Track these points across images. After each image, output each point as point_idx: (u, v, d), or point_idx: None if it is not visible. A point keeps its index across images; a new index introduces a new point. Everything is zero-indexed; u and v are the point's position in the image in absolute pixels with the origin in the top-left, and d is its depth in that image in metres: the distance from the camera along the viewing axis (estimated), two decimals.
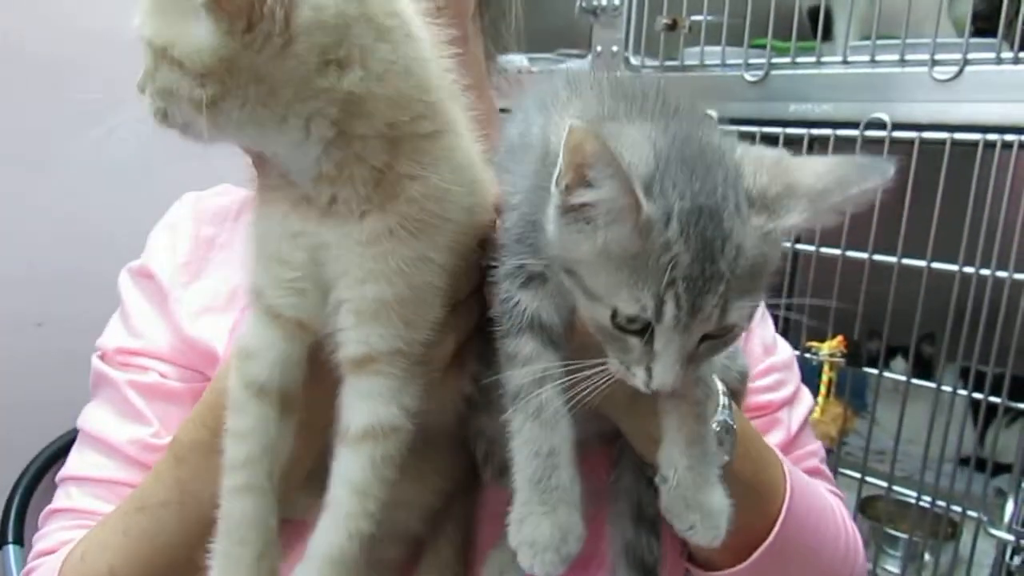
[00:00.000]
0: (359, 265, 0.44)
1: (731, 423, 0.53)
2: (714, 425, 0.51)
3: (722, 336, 0.43)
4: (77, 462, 0.70)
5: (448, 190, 0.46)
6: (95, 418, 0.70)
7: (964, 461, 1.31)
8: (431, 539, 0.60)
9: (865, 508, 1.30)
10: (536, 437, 0.46)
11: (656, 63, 1.35)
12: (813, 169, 0.42)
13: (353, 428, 0.46)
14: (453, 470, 0.59)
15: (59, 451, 1.57)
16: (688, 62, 1.33)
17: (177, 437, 0.57)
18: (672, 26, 1.31)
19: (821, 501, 0.66)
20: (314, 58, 0.41)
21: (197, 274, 0.73)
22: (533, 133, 0.49)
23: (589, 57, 1.46)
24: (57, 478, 0.71)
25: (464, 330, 0.52)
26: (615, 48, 1.40)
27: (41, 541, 0.67)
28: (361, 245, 0.44)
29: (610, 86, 0.48)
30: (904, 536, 1.24)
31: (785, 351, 0.78)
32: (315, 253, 0.46)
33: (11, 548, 1.48)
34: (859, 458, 1.28)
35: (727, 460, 0.52)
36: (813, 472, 0.72)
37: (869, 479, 1.21)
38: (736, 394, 0.57)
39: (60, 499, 0.69)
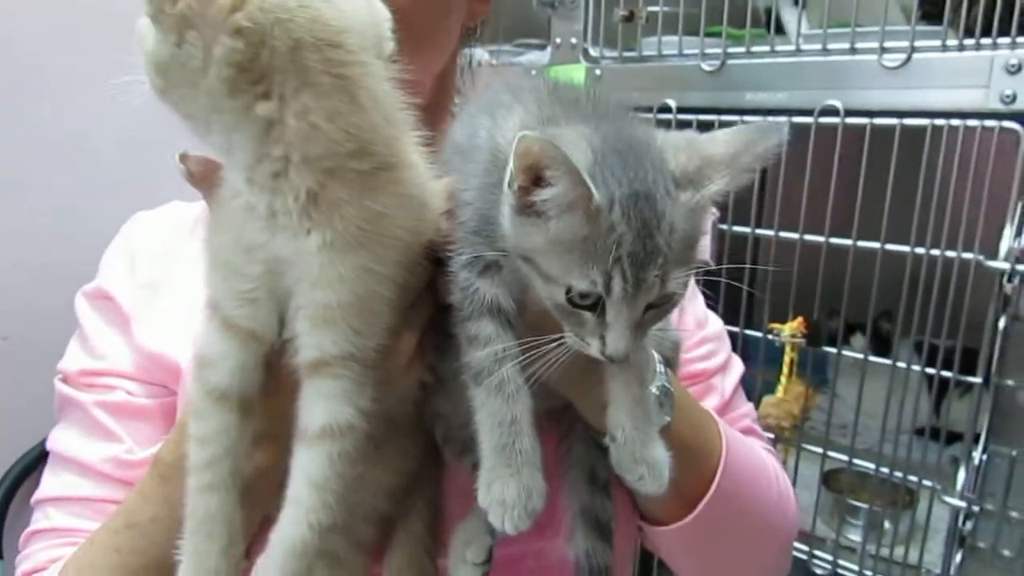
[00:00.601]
0: (309, 272, 0.48)
1: (669, 387, 0.59)
2: (653, 389, 0.57)
3: (663, 304, 0.49)
4: (52, 484, 0.71)
5: (384, 214, 0.49)
6: (65, 440, 0.71)
7: (921, 432, 1.37)
8: (402, 517, 0.64)
9: (828, 481, 1.35)
10: (499, 409, 0.50)
11: (615, 54, 1.38)
12: (720, 140, 0.49)
13: (311, 427, 0.49)
14: (416, 451, 0.63)
15: (31, 464, 1.56)
16: (646, 52, 1.35)
17: (160, 457, 0.59)
18: (629, 17, 1.33)
19: (754, 457, 0.73)
20: (225, 86, 0.45)
21: (157, 291, 0.75)
22: (480, 136, 0.53)
23: (548, 49, 1.47)
24: (32, 501, 0.72)
25: (419, 327, 0.55)
26: (574, 40, 1.41)
27: (26, 562, 0.68)
28: (309, 255, 0.47)
29: (547, 92, 0.53)
30: (864, 506, 1.29)
31: (716, 324, 0.85)
32: (272, 265, 0.48)
33: None
34: (822, 433, 1.33)
35: (667, 421, 0.58)
36: (747, 431, 0.79)
37: (831, 453, 1.25)
38: (670, 363, 0.63)
39: (39, 521, 0.70)
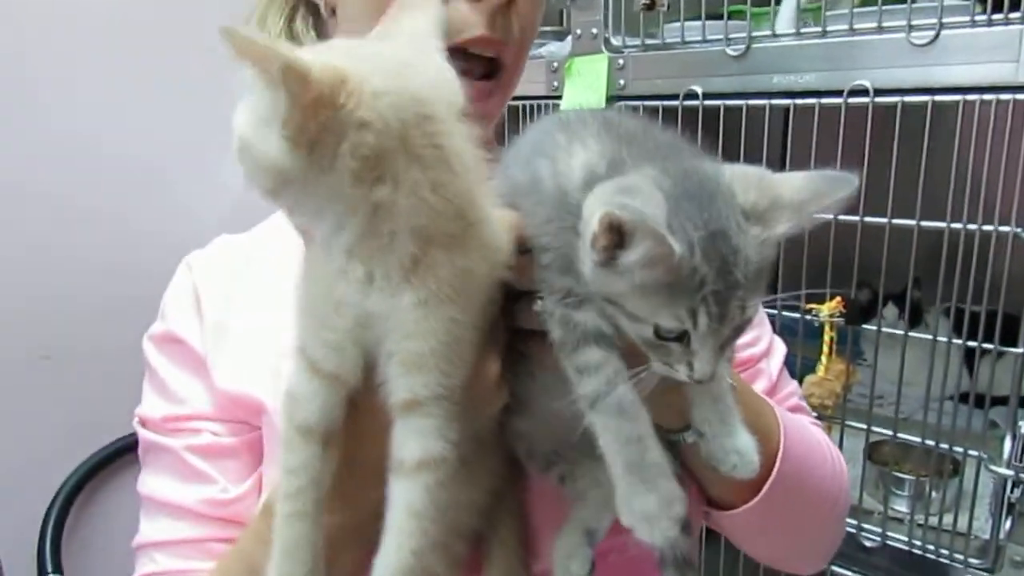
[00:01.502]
0: (403, 326, 0.51)
1: (730, 380, 0.61)
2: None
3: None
4: (152, 529, 0.74)
5: (472, 270, 0.52)
6: (158, 485, 0.74)
7: (963, 398, 1.38)
8: (492, 532, 0.67)
9: (872, 454, 1.37)
10: (623, 429, 0.52)
11: (637, 43, 1.38)
12: (791, 184, 0.50)
13: (408, 461, 0.52)
14: (501, 469, 0.66)
15: (85, 476, 1.61)
16: (669, 39, 1.35)
17: (272, 502, 0.61)
18: (651, 5, 1.33)
19: (809, 434, 0.76)
20: (350, 178, 0.48)
21: (226, 331, 0.77)
22: (544, 180, 0.55)
23: (568, 40, 1.47)
24: (134, 545, 0.75)
25: (500, 351, 0.57)
26: (595, 30, 1.41)
27: None
28: (403, 311, 0.51)
29: (603, 128, 0.54)
30: (910, 477, 1.31)
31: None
32: (363, 320, 0.52)
33: None
34: (861, 407, 1.34)
35: (739, 417, 0.61)
36: (795, 409, 0.83)
37: (875, 428, 1.27)
38: (728, 359, 0.65)
39: (146, 566, 0.73)
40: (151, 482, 0.75)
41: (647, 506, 0.51)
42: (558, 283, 0.54)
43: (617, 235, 0.46)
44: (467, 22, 0.66)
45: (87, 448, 1.61)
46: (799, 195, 0.49)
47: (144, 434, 0.76)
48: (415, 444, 0.52)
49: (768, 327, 0.89)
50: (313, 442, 0.54)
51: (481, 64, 0.69)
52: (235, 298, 0.78)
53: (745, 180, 0.50)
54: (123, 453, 1.58)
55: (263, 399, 0.72)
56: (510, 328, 0.57)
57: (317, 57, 0.46)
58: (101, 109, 1.47)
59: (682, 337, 0.49)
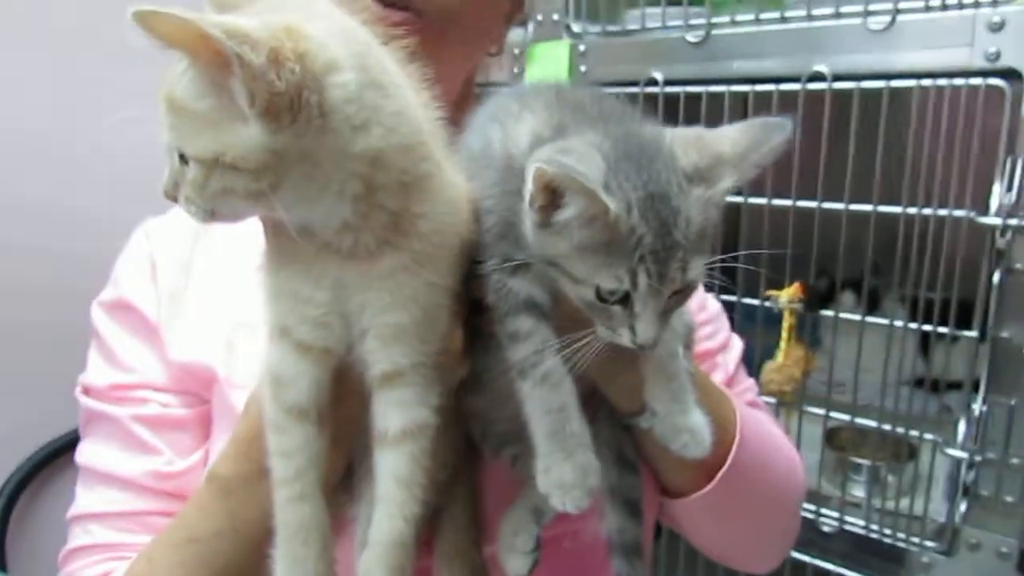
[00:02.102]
0: (379, 298, 0.50)
1: (688, 367, 0.61)
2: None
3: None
4: (88, 500, 0.71)
5: (444, 222, 0.52)
6: (100, 455, 0.72)
7: (918, 383, 1.40)
8: (448, 508, 0.67)
9: (830, 439, 1.38)
10: (547, 398, 0.53)
11: (598, 29, 1.37)
12: (729, 138, 0.51)
13: (392, 431, 0.52)
14: (457, 444, 0.66)
15: (31, 471, 1.56)
16: (630, 26, 1.35)
17: (216, 472, 0.60)
18: None
19: (765, 427, 0.77)
20: (347, 128, 0.45)
21: (182, 301, 0.74)
22: (494, 146, 0.55)
23: (530, 26, 1.46)
24: (68, 516, 0.72)
25: (461, 321, 0.57)
26: (556, 16, 1.40)
27: None
28: (379, 280, 0.50)
29: (554, 97, 0.55)
30: (866, 462, 1.32)
31: (714, 305, 0.90)
32: (338, 291, 0.51)
33: None
34: (821, 393, 1.35)
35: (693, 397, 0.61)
36: (751, 404, 0.84)
37: (833, 414, 1.28)
38: (686, 345, 0.66)
39: (80, 537, 0.70)
40: (91, 451, 0.72)
41: (563, 475, 0.52)
42: (497, 248, 0.54)
43: (552, 194, 0.46)
44: None
45: (29, 446, 1.56)
46: (738, 148, 0.50)
47: (87, 402, 0.73)
48: (397, 414, 0.52)
49: (726, 323, 0.90)
50: (308, 422, 0.53)
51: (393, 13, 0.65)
52: (192, 266, 0.76)
53: (685, 141, 0.51)
54: (66, 450, 1.53)
55: (215, 368, 0.70)
56: (466, 301, 0.57)
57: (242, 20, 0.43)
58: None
59: (624, 300, 0.49)
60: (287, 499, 0.52)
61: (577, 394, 0.54)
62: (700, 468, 0.68)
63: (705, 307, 0.88)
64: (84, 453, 0.73)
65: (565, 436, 0.52)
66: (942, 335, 1.17)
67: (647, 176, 0.48)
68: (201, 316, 0.73)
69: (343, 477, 0.60)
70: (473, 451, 0.67)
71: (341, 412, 0.54)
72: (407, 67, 0.52)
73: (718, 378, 0.82)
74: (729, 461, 0.68)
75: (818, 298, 1.39)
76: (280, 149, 0.44)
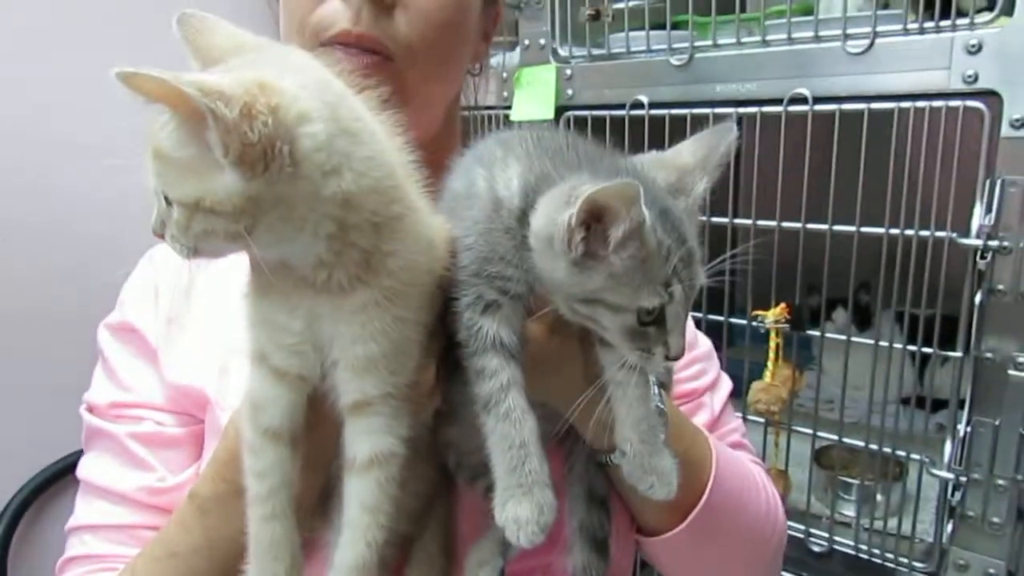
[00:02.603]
0: (349, 330, 0.52)
1: (663, 407, 0.63)
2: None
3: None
4: (86, 513, 0.74)
5: (416, 261, 0.54)
6: (97, 469, 0.75)
7: (906, 401, 1.40)
8: (418, 537, 0.68)
9: (820, 458, 1.38)
10: (508, 434, 0.54)
11: (584, 53, 1.38)
12: (687, 150, 0.57)
13: (359, 458, 0.54)
14: (432, 475, 0.68)
15: (35, 490, 1.58)
16: (615, 49, 1.36)
17: (197, 491, 0.63)
18: (596, 16, 1.34)
19: (744, 468, 0.77)
20: (318, 174, 0.48)
21: (181, 326, 0.78)
22: (479, 185, 0.57)
23: (518, 50, 1.48)
24: (67, 528, 0.75)
25: (436, 357, 0.59)
26: (542, 41, 1.42)
27: None
28: (350, 314, 0.52)
29: (534, 145, 0.57)
30: (856, 481, 1.32)
31: (704, 344, 0.90)
32: (312, 322, 0.53)
33: None
34: (811, 411, 1.35)
35: (661, 438, 0.62)
36: (736, 446, 0.84)
37: (822, 433, 1.28)
38: (664, 385, 0.68)
39: (75, 547, 0.73)
40: (91, 466, 0.76)
41: (519, 511, 0.53)
42: (470, 286, 0.56)
43: (595, 219, 0.48)
44: (334, 18, 0.67)
45: (33, 467, 1.58)
46: (697, 155, 0.56)
47: (89, 419, 0.77)
48: (365, 442, 0.54)
49: (715, 361, 0.90)
50: (281, 444, 0.55)
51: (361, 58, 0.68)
52: (192, 292, 0.79)
53: (652, 164, 0.56)
54: (70, 470, 1.55)
55: (207, 391, 0.73)
56: (444, 337, 0.58)
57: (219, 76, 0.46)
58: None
59: (658, 319, 0.52)
60: (260, 517, 0.55)
61: (538, 431, 0.56)
62: (674, 507, 0.69)
63: (695, 345, 0.88)
64: (84, 467, 0.76)
65: (523, 472, 0.54)
66: (935, 352, 1.17)
67: (651, 197, 0.51)
68: (198, 340, 0.76)
69: (319, 503, 0.62)
70: (449, 481, 0.69)
71: (315, 437, 0.56)
72: (382, 113, 0.54)
73: (703, 419, 0.82)
74: (702, 502, 0.68)
75: (809, 315, 1.40)
76: (255, 195, 0.46)
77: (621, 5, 1.33)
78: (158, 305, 0.79)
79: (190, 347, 0.76)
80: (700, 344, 0.89)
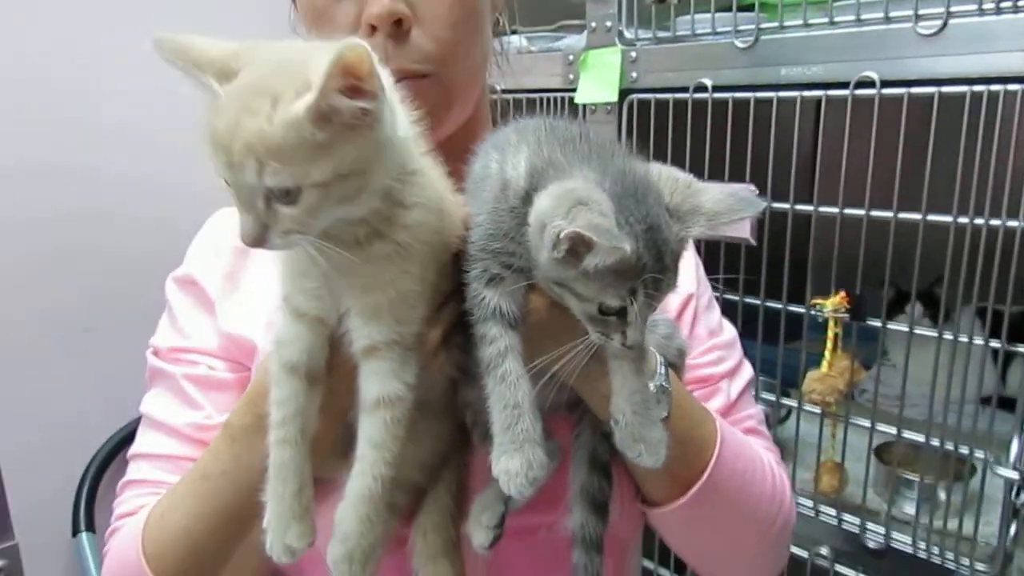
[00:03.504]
0: (360, 280, 0.58)
1: (666, 386, 0.66)
2: (651, 386, 0.64)
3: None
4: (143, 442, 0.82)
5: (426, 220, 0.59)
6: (156, 405, 0.82)
7: (986, 401, 1.34)
8: (432, 488, 0.73)
9: (881, 453, 1.35)
10: (503, 395, 0.59)
11: (649, 35, 1.38)
12: (712, 196, 0.58)
13: (368, 399, 0.60)
14: (446, 434, 0.73)
15: (118, 445, 1.71)
16: (680, 32, 1.35)
17: (230, 421, 0.69)
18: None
19: (750, 451, 0.78)
20: (391, 129, 0.54)
21: (237, 282, 0.85)
22: (491, 168, 0.62)
23: (585, 33, 1.48)
24: (128, 455, 0.83)
25: (447, 323, 0.63)
26: (609, 23, 1.42)
27: (121, 506, 0.80)
28: (362, 265, 0.57)
29: (547, 133, 0.61)
30: (916, 479, 1.28)
31: (728, 334, 0.91)
32: (326, 273, 0.58)
33: (84, 536, 1.62)
34: (882, 405, 1.31)
35: (664, 416, 0.65)
36: (750, 431, 0.85)
37: (880, 427, 1.25)
38: (676, 367, 0.71)
39: (132, 472, 0.81)
40: (151, 402, 0.83)
41: (511, 464, 0.57)
42: (478, 261, 0.60)
43: (581, 244, 0.52)
44: None
45: (122, 418, 1.70)
46: (716, 207, 0.58)
47: (152, 361, 0.84)
48: (374, 384, 0.59)
49: (738, 351, 0.91)
50: (297, 378, 0.61)
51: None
52: (248, 252, 0.86)
53: (673, 183, 0.59)
54: None
55: (256, 341, 0.80)
56: (465, 310, 0.62)
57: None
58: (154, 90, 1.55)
59: (620, 312, 0.56)
60: (274, 440, 0.60)
61: (532, 394, 0.59)
62: (676, 481, 0.71)
63: (718, 333, 0.90)
64: (145, 402, 0.84)
65: (516, 431, 0.58)
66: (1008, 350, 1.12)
67: (644, 211, 0.55)
68: (251, 296, 0.83)
69: (343, 449, 0.66)
70: (465, 439, 0.73)
71: (332, 379, 0.62)
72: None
73: (717, 403, 0.84)
74: (704, 477, 0.70)
75: (887, 309, 1.35)
76: (374, 148, 0.53)
77: None
78: (218, 260, 0.86)
79: (244, 301, 0.83)
80: (724, 333, 0.91)
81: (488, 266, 0.60)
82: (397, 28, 0.72)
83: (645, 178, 0.58)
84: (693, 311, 0.87)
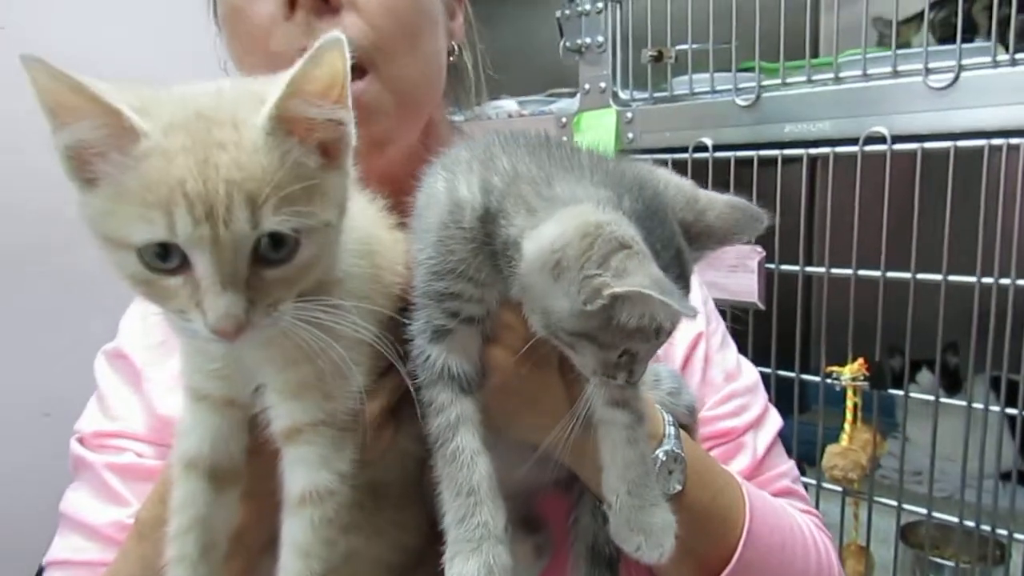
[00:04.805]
0: (281, 353, 0.47)
1: (679, 452, 0.56)
2: (660, 454, 0.55)
3: None
4: (60, 546, 0.71)
5: (353, 271, 0.49)
6: (75, 502, 0.71)
7: (1006, 476, 1.26)
8: None
9: (906, 535, 1.24)
10: (454, 478, 0.49)
11: (645, 95, 1.34)
12: (720, 213, 0.52)
13: (292, 494, 0.49)
14: (416, 526, 0.60)
15: None
16: (677, 92, 1.31)
17: (139, 515, 0.59)
18: (658, 57, 1.30)
19: (788, 521, 0.67)
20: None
21: (170, 352, 0.72)
22: (437, 189, 0.53)
23: (578, 95, 1.45)
24: (44, 561, 0.71)
25: (393, 392, 0.53)
26: (603, 85, 1.39)
27: None
28: (279, 336, 0.45)
29: (508, 142, 0.52)
30: (950, 563, 1.18)
31: (749, 376, 0.79)
32: (230, 351, 0.48)
33: None
34: (895, 482, 1.22)
35: (679, 489, 0.56)
36: (785, 493, 0.73)
37: (907, 506, 1.15)
38: (687, 428, 0.61)
39: None
40: (71, 498, 0.72)
41: (465, 570, 0.47)
42: (421, 306, 0.51)
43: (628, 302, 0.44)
44: (288, 40, 0.64)
45: None
46: (724, 223, 0.51)
47: (75, 449, 0.74)
48: (299, 475, 0.49)
49: (762, 395, 0.79)
50: (196, 476, 0.50)
51: None
52: None
53: (681, 196, 0.51)
54: None
55: None
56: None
57: None
58: None
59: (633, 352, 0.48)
60: (169, 559, 0.50)
61: (493, 476, 0.50)
62: (699, 567, 0.59)
63: (736, 376, 0.78)
64: (65, 499, 0.73)
65: (472, 524, 0.48)
66: None
67: (669, 233, 0.48)
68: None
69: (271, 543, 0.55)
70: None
71: (253, 464, 0.51)
72: None
73: (743, 462, 0.72)
74: (733, 561, 0.59)
75: (891, 378, 1.28)
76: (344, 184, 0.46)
77: (684, 47, 1.28)
78: (146, 329, 0.75)
79: (175, 376, 0.71)
80: (743, 375, 0.78)
81: (432, 316, 0.50)
82: (323, 3, 0.64)
83: (656, 189, 0.50)
84: (704, 353, 0.76)
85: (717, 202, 0.52)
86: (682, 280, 0.47)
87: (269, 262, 0.41)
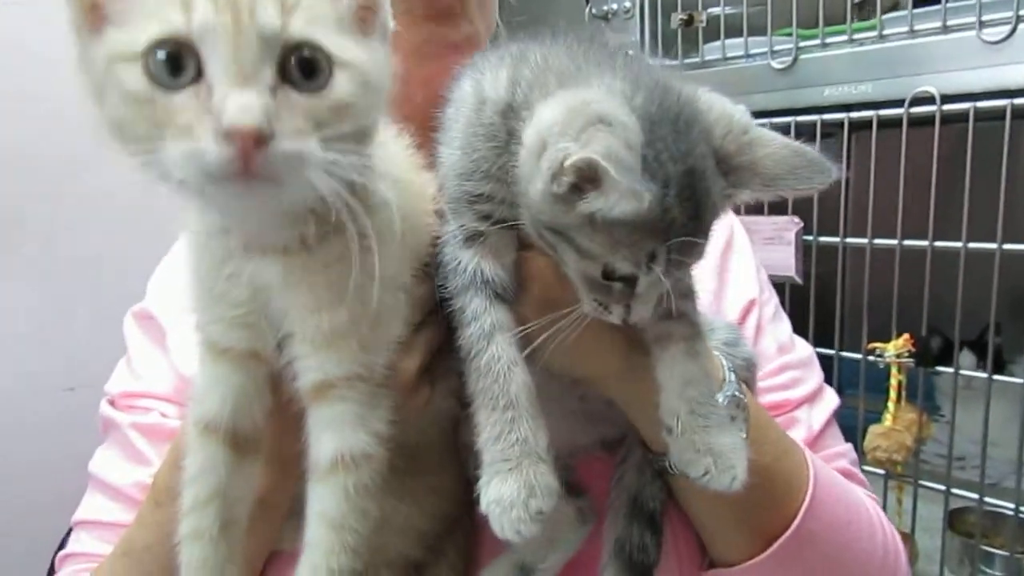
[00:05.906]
0: (311, 295, 0.42)
1: (740, 396, 0.51)
2: (721, 398, 0.49)
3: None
4: (87, 506, 0.70)
5: (388, 204, 0.43)
6: (103, 462, 0.70)
7: None
8: (432, 562, 0.56)
9: (954, 522, 1.17)
10: (490, 391, 0.44)
11: (675, 62, 1.28)
12: (773, 152, 0.45)
13: (322, 460, 0.43)
14: (450, 491, 0.55)
15: None
16: (709, 57, 1.25)
17: (155, 481, 0.56)
18: (689, 21, 1.24)
19: (853, 496, 0.62)
20: None
21: None
22: (464, 90, 0.49)
23: None
24: (72, 521, 0.70)
25: (429, 347, 0.49)
26: (630, 52, 1.33)
27: None
28: (312, 273, 0.41)
29: (545, 42, 0.48)
30: (1001, 552, 1.11)
31: (803, 350, 0.74)
32: (256, 292, 0.43)
33: None
34: (938, 467, 1.16)
35: (743, 437, 0.50)
36: (844, 473, 0.67)
37: (956, 491, 1.09)
38: (746, 382, 0.55)
39: (72, 543, 0.69)
40: (99, 457, 0.71)
41: (503, 491, 0.42)
42: (450, 212, 0.47)
43: (588, 181, 0.39)
44: None
45: None
46: (776, 168, 0.44)
47: (104, 410, 0.73)
48: (329, 438, 0.43)
49: (817, 371, 0.74)
50: (215, 441, 0.45)
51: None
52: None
53: (728, 125, 0.46)
54: None
55: None
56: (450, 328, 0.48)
57: None
58: None
59: (628, 279, 0.42)
60: (184, 535, 0.45)
61: (532, 387, 0.45)
62: (753, 530, 0.54)
63: (790, 349, 0.72)
64: (94, 460, 0.72)
65: (510, 441, 0.42)
66: None
67: (685, 147, 0.42)
68: None
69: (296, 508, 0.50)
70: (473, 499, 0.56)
71: (274, 425, 0.47)
72: None
73: (797, 437, 0.65)
74: (793, 527, 0.54)
75: (932, 360, 1.21)
76: (377, 78, 0.41)
77: (716, 10, 1.22)
78: (174, 288, 0.71)
79: None
80: (797, 349, 0.73)
81: (464, 220, 0.45)
82: None
83: (691, 105, 0.44)
84: (757, 321, 0.70)
85: (773, 141, 0.46)
86: (690, 203, 0.41)
87: (299, 88, 0.35)
